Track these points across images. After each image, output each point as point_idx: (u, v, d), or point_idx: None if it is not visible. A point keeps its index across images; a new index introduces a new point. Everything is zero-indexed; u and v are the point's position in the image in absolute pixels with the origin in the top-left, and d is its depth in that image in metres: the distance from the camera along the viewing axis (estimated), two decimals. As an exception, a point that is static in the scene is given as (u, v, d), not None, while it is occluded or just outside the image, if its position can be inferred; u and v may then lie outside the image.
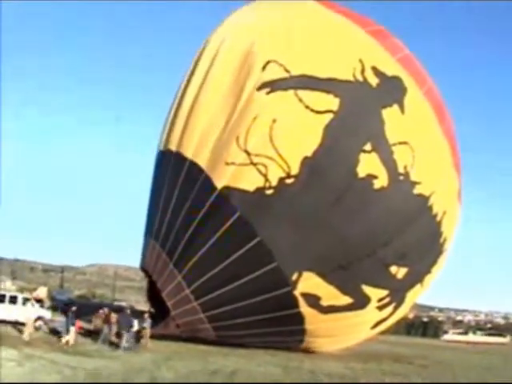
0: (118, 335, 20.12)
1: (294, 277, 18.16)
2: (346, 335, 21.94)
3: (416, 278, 20.21)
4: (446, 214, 19.62)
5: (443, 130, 19.44)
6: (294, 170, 17.50)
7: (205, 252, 18.56)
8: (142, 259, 21.43)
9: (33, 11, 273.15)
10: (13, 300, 24.48)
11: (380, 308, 19.84)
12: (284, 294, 18.36)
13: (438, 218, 19.30)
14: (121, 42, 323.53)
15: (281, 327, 19.64)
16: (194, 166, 19.11)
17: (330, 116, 17.48)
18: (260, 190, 17.72)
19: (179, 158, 19.76)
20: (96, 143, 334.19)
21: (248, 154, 17.79)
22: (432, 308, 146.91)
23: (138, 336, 20.22)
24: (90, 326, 23.68)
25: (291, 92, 17.64)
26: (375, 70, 18.05)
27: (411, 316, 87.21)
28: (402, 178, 17.99)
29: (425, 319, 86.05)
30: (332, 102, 17.51)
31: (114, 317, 21.41)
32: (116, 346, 19.33)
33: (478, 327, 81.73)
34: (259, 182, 17.71)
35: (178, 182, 19.50)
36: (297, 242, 17.98)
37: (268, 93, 17.91)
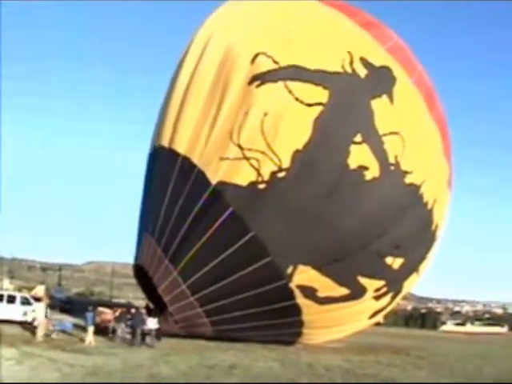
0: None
1: (289, 270, 18.23)
2: (343, 325, 22.02)
3: (411, 266, 20.36)
4: (437, 201, 19.78)
5: (433, 117, 19.55)
6: (286, 164, 17.54)
7: (200, 247, 18.61)
8: (136, 256, 21.45)
9: (28, 11, 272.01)
10: (11, 299, 24.51)
11: (377, 298, 19.97)
12: (280, 287, 18.44)
13: (429, 206, 19.44)
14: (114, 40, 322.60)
15: (278, 319, 19.68)
16: (186, 161, 19.12)
17: (319, 108, 17.51)
18: (253, 185, 17.77)
19: (172, 154, 19.76)
20: (92, 140, 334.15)
21: (241, 148, 17.82)
22: (430, 299, 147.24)
23: (158, 333, 20.28)
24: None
25: (281, 84, 17.64)
26: (364, 61, 18.09)
27: (409, 308, 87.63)
28: (393, 168, 18.08)
29: (423, 311, 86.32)
30: (321, 94, 17.54)
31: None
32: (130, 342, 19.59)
33: (475, 318, 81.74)
34: (252, 176, 17.75)
35: (171, 178, 19.51)
36: (290, 235, 18.05)
37: (258, 85, 17.91)
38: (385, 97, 18.23)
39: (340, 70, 17.84)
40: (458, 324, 64.19)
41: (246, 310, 19.17)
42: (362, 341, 28.90)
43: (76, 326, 22.69)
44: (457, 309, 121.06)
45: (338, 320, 20.67)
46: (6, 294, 26.06)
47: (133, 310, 21.83)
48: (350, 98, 17.82)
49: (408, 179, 18.42)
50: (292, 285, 18.43)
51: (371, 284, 19.26)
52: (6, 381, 10.76)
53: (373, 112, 17.93)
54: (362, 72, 18.07)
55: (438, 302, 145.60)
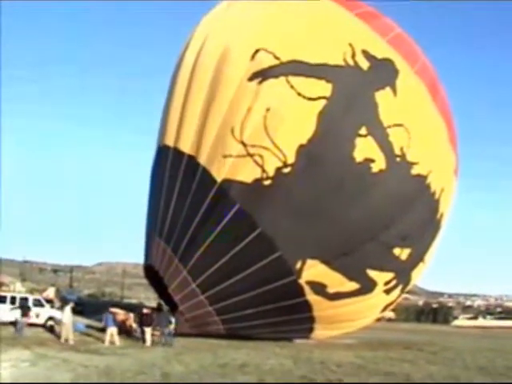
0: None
1: (298, 265, 18.20)
2: (355, 321, 22.02)
3: (418, 256, 20.31)
4: (444, 190, 19.75)
5: (437, 106, 19.45)
6: (290, 159, 17.49)
7: (208, 246, 18.62)
8: (146, 256, 21.51)
9: (28, 13, 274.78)
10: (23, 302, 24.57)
11: (387, 291, 19.95)
12: (289, 283, 18.41)
13: (437, 196, 19.40)
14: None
15: (289, 316, 19.66)
16: (191, 160, 19.12)
17: (323, 102, 17.43)
18: (258, 181, 17.73)
19: (177, 153, 19.79)
20: (99, 143, 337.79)
21: (244, 145, 17.78)
22: (441, 294, 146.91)
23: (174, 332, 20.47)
24: (101, 325, 23.86)
25: (283, 79, 17.56)
26: (366, 54, 18.01)
27: (421, 303, 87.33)
28: (399, 159, 18.01)
29: (434, 305, 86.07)
30: (324, 88, 17.46)
31: (130, 316, 21.86)
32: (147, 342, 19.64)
33: (487, 312, 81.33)
34: (256, 173, 17.71)
35: (177, 177, 19.53)
36: (298, 230, 17.99)
37: (260, 82, 17.84)
38: (388, 89, 18.14)
39: (342, 63, 17.75)
40: (470, 318, 63.88)
41: (256, 307, 19.16)
42: (374, 337, 28.84)
43: (88, 327, 22.88)
44: (468, 303, 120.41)
45: (349, 315, 20.66)
46: (18, 296, 26.13)
47: (145, 311, 21.87)
48: (354, 91, 17.70)
49: (414, 170, 18.35)
50: (301, 281, 18.39)
51: (381, 277, 19.20)
52: (23, 380, 10.88)
53: (377, 104, 17.84)
54: (365, 64, 17.98)
55: (450, 296, 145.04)
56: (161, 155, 21.35)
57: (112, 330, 19.27)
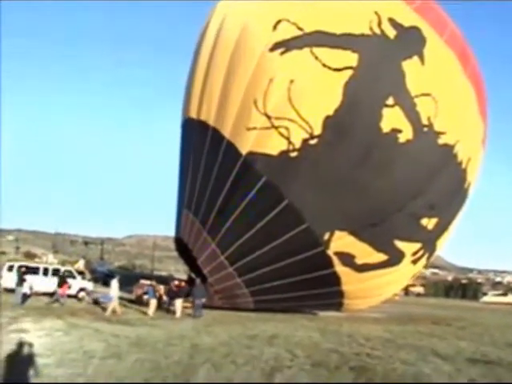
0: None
1: (326, 236, 18.24)
2: (382, 294, 22.07)
3: (445, 225, 20.21)
4: (471, 160, 19.46)
5: (468, 75, 18.98)
6: (317, 131, 17.37)
7: (236, 218, 18.81)
8: (176, 229, 21.79)
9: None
10: (56, 273, 25.37)
11: (415, 262, 19.91)
12: (317, 254, 18.47)
13: (464, 166, 19.14)
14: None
15: (318, 289, 19.74)
16: (216, 133, 19.16)
17: (349, 73, 17.18)
18: (284, 153, 17.70)
19: (202, 126, 19.84)
20: (130, 113, 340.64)
21: (268, 117, 17.70)
22: (471, 270, 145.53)
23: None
24: (132, 296, 24.42)
25: (307, 50, 17.31)
26: (392, 22, 17.60)
27: (450, 278, 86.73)
28: (426, 129, 17.74)
29: (464, 281, 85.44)
30: (350, 58, 17.19)
31: (161, 288, 22.20)
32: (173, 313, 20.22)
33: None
34: (282, 145, 17.67)
35: (203, 150, 19.65)
36: (326, 202, 17.96)
37: (282, 53, 17.60)
38: (415, 58, 17.75)
39: (368, 31, 17.39)
40: (500, 295, 63.28)
41: (284, 279, 19.30)
42: (403, 311, 28.92)
43: (119, 298, 23.08)
44: (498, 279, 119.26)
45: (377, 289, 20.73)
46: (50, 267, 27.03)
47: (176, 283, 22.26)
48: (381, 60, 17.39)
49: (441, 140, 18.07)
50: (330, 252, 18.43)
51: (408, 247, 19.16)
52: (56, 348, 11.13)
53: (404, 74, 17.50)
54: (391, 33, 17.58)
55: (480, 272, 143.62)
56: (186, 128, 21.50)
57: (153, 302, 19.85)
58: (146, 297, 21.83)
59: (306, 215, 18.04)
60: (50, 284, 24.34)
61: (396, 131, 17.55)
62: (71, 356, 10.46)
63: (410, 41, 17.90)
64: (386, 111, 17.40)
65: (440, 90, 17.89)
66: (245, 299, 20.46)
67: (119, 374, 9.23)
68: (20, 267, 24.37)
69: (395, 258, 19.15)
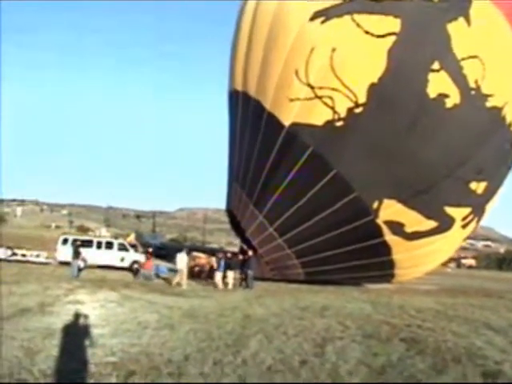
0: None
1: (375, 205, 18.20)
2: (434, 262, 21.87)
3: (494, 189, 19.80)
4: None
5: None
6: (362, 99, 17.20)
7: (283, 190, 18.97)
8: (227, 201, 22.19)
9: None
10: (109, 246, 26.41)
11: (464, 226, 19.62)
12: (367, 223, 18.48)
13: None
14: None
15: (368, 259, 19.74)
16: (258, 104, 19.19)
17: (392, 39, 16.82)
18: (329, 123, 17.61)
19: (245, 97, 19.95)
20: (181, 85, 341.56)
21: (311, 87, 17.60)
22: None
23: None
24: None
25: (348, 18, 17.05)
26: None
27: (502, 251, 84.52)
28: (473, 92, 17.27)
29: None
30: (393, 24, 16.82)
31: (212, 260, 22.76)
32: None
33: None
34: (327, 115, 17.58)
35: (247, 122, 19.82)
36: (374, 170, 17.86)
37: (323, 22, 17.39)
38: (461, 19, 17.14)
39: None
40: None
41: (334, 249, 19.38)
42: (454, 283, 28.58)
43: (171, 270, 23.68)
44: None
45: (428, 257, 20.51)
46: (104, 240, 27.82)
47: (229, 255, 22.61)
48: (424, 24, 16.93)
49: (489, 103, 17.55)
50: (379, 221, 18.40)
51: (458, 213, 18.90)
52: (111, 319, 11.53)
53: (449, 36, 16.97)
54: None
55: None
56: (232, 100, 21.64)
57: (220, 274, 20.37)
58: (196, 269, 22.37)
59: (355, 184, 18.02)
60: (103, 257, 25.37)
61: (443, 96, 17.16)
62: (125, 326, 10.78)
63: (455, 2, 17.35)
64: (431, 76, 17.00)
65: (487, 52, 17.31)
66: (295, 270, 20.67)
67: (172, 343, 9.47)
68: (74, 240, 25.23)
69: (445, 224, 18.93)
